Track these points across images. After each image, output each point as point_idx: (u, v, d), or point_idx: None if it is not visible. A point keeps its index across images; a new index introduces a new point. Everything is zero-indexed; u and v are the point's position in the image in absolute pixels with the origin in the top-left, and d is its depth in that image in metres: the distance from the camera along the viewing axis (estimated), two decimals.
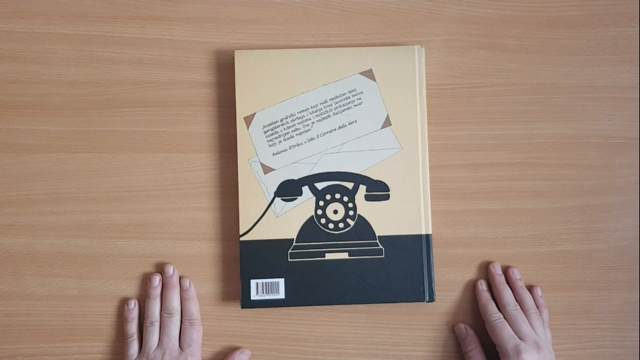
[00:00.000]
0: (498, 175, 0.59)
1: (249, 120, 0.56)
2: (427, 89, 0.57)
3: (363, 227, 0.56)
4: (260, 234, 0.55)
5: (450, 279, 0.58)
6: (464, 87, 0.59)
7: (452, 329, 0.57)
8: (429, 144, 0.57)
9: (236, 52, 0.56)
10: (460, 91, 0.59)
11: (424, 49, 0.57)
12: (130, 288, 0.58)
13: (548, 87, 0.59)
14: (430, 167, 0.57)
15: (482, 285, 0.57)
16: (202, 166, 0.58)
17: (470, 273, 0.58)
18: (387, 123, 0.56)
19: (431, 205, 0.56)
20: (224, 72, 0.58)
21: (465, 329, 0.57)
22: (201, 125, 0.58)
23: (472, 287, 0.58)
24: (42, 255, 0.58)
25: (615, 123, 0.59)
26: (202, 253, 0.58)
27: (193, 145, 0.58)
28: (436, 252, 0.57)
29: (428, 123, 0.57)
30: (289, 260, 0.55)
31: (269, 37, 0.59)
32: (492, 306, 0.56)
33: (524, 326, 0.53)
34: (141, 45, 0.59)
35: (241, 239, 0.55)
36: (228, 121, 0.58)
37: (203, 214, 0.58)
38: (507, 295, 0.56)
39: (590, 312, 0.58)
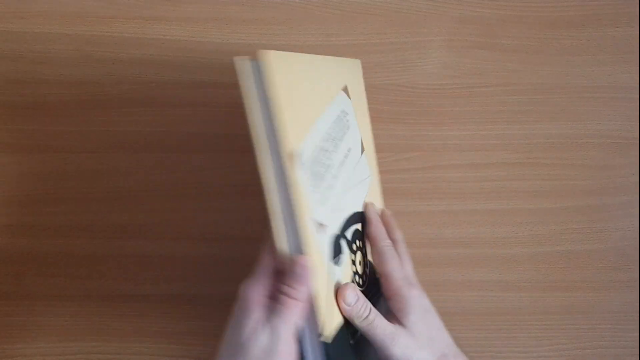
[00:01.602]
0: (498, 175, 0.59)
1: (293, 157, 0.36)
2: (426, 88, 0.57)
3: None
4: (335, 319, 0.38)
5: (450, 279, 0.58)
6: (464, 87, 0.59)
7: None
8: (431, 145, 0.57)
9: (267, 52, 0.36)
10: (460, 91, 0.59)
11: (359, 61, 0.52)
12: (130, 288, 0.58)
13: (548, 87, 0.59)
14: (430, 167, 0.57)
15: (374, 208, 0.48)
16: (202, 166, 0.58)
17: (470, 273, 0.58)
18: (362, 148, 0.48)
19: (431, 205, 0.56)
20: (224, 72, 0.58)
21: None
22: (201, 125, 0.58)
23: (472, 287, 0.58)
24: (42, 255, 0.58)
25: (615, 123, 0.59)
26: (203, 253, 0.58)
27: (193, 145, 0.58)
28: (436, 252, 0.57)
29: (428, 123, 0.57)
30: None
31: (269, 37, 0.59)
32: (384, 231, 0.47)
33: (409, 266, 0.47)
34: (141, 45, 0.59)
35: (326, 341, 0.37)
36: (228, 121, 0.58)
37: (203, 214, 0.58)
38: (398, 232, 0.49)
39: (590, 312, 0.58)
